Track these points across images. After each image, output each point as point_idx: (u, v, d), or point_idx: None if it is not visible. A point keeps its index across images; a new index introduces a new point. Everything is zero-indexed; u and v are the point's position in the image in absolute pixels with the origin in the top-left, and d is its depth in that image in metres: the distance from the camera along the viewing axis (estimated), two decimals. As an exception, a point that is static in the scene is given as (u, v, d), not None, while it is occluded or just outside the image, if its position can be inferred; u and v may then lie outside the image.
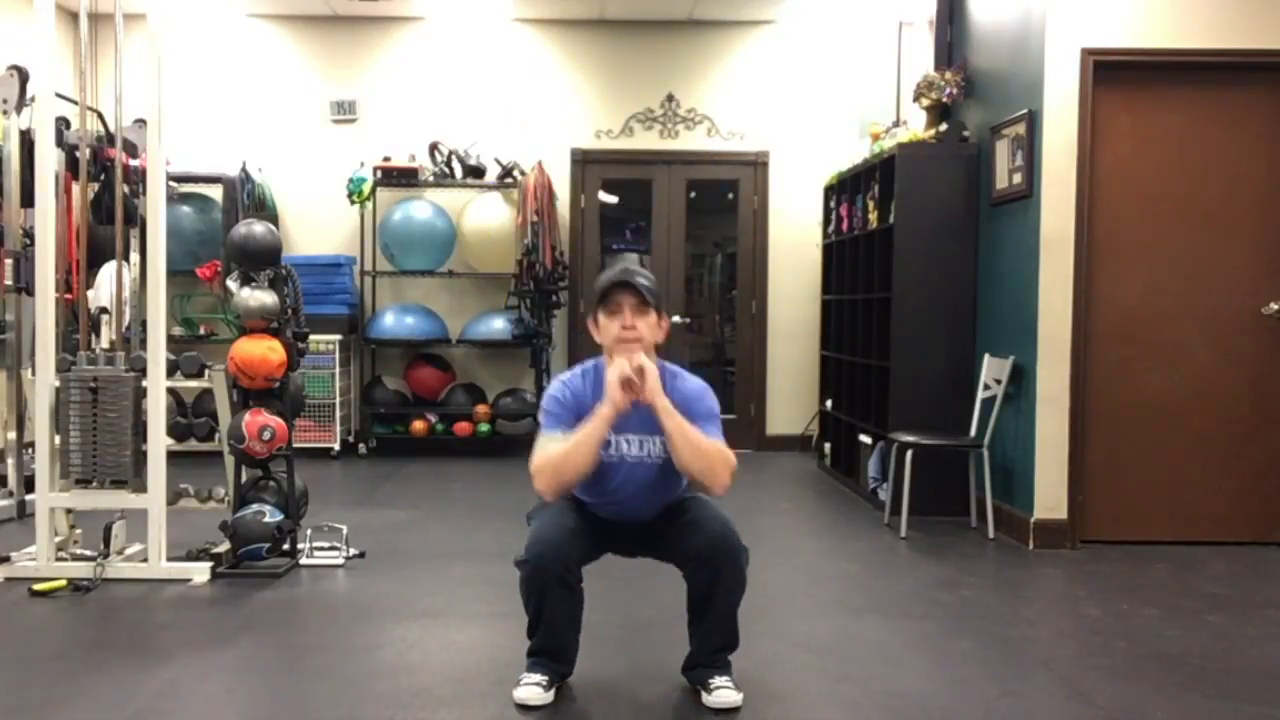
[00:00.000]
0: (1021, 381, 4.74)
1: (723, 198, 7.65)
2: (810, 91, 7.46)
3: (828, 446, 6.62)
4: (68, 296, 4.65)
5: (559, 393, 2.78)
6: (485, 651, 3.18)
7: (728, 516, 2.74)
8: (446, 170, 7.09)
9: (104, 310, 4.11)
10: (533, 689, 2.73)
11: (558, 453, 2.66)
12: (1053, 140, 4.57)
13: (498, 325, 7.04)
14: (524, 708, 2.71)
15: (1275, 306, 4.61)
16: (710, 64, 7.48)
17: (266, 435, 3.92)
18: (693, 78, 7.47)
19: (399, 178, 7.04)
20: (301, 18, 7.35)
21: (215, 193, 6.96)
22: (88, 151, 4.17)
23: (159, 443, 3.87)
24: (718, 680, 2.74)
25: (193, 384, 4.12)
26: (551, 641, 2.76)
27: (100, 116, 4.44)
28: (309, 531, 4.24)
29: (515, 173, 7.07)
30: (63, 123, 4.55)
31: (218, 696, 2.83)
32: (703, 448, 2.65)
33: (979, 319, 5.25)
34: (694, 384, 2.81)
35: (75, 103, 4.26)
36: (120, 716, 2.64)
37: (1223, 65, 4.58)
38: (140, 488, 3.87)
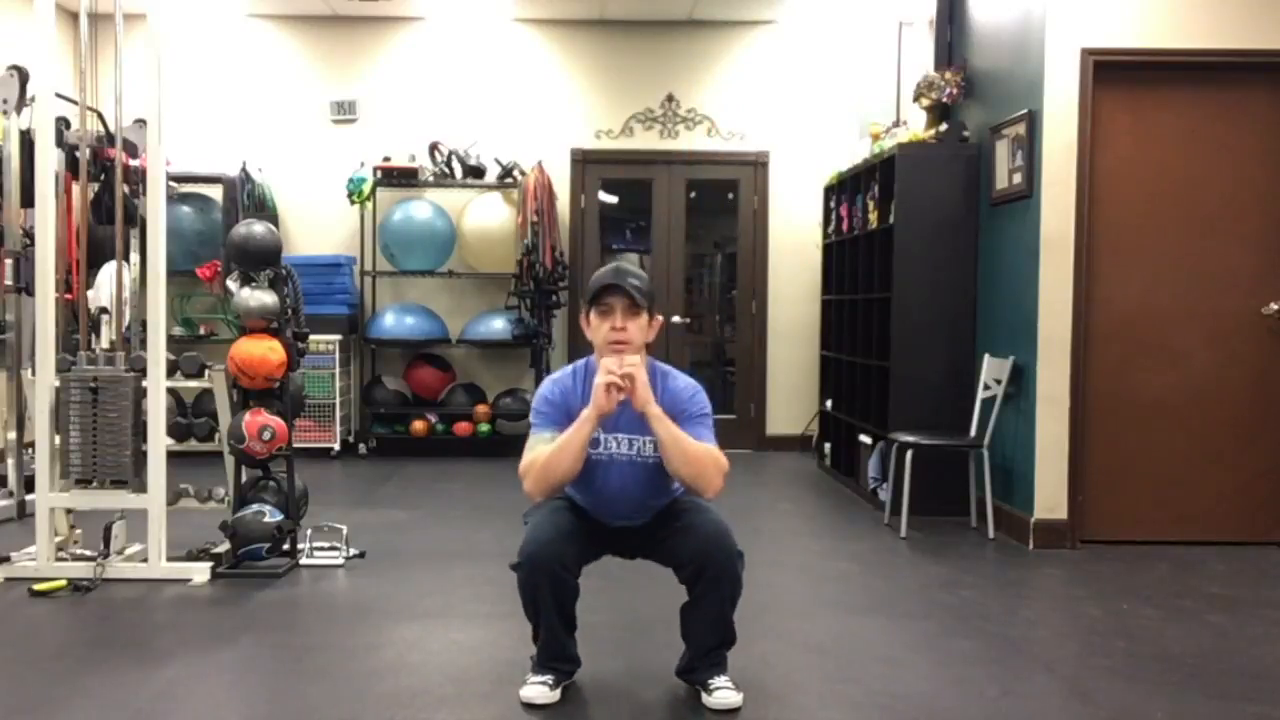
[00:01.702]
0: (1021, 381, 4.74)
1: (723, 198, 7.65)
2: (810, 91, 7.46)
3: (828, 446, 6.62)
4: (68, 296, 4.65)
5: (549, 392, 2.80)
6: (485, 651, 3.18)
7: (724, 519, 2.73)
8: (446, 170, 7.09)
9: (104, 310, 4.11)
10: (539, 688, 2.73)
11: (544, 454, 2.67)
12: (1053, 140, 4.57)
13: (498, 325, 7.04)
14: (529, 707, 2.71)
15: (1275, 306, 4.61)
16: (710, 64, 7.48)
17: (266, 435, 3.92)
18: (693, 78, 7.47)
19: (399, 178, 7.04)
20: (301, 18, 7.35)
21: (215, 193, 6.96)
22: (88, 151, 4.17)
23: (159, 443, 3.87)
24: (717, 680, 2.74)
25: (193, 384, 4.12)
26: (554, 644, 2.77)
27: (100, 116, 4.44)
28: (309, 532, 4.24)
29: (515, 173, 7.07)
30: (63, 123, 4.55)
31: (218, 696, 2.84)
32: (693, 453, 2.64)
33: (979, 319, 5.25)
34: (685, 383, 2.80)
35: (75, 103, 4.25)
36: (120, 716, 2.64)
37: (1223, 65, 4.58)
38: (140, 488, 3.87)
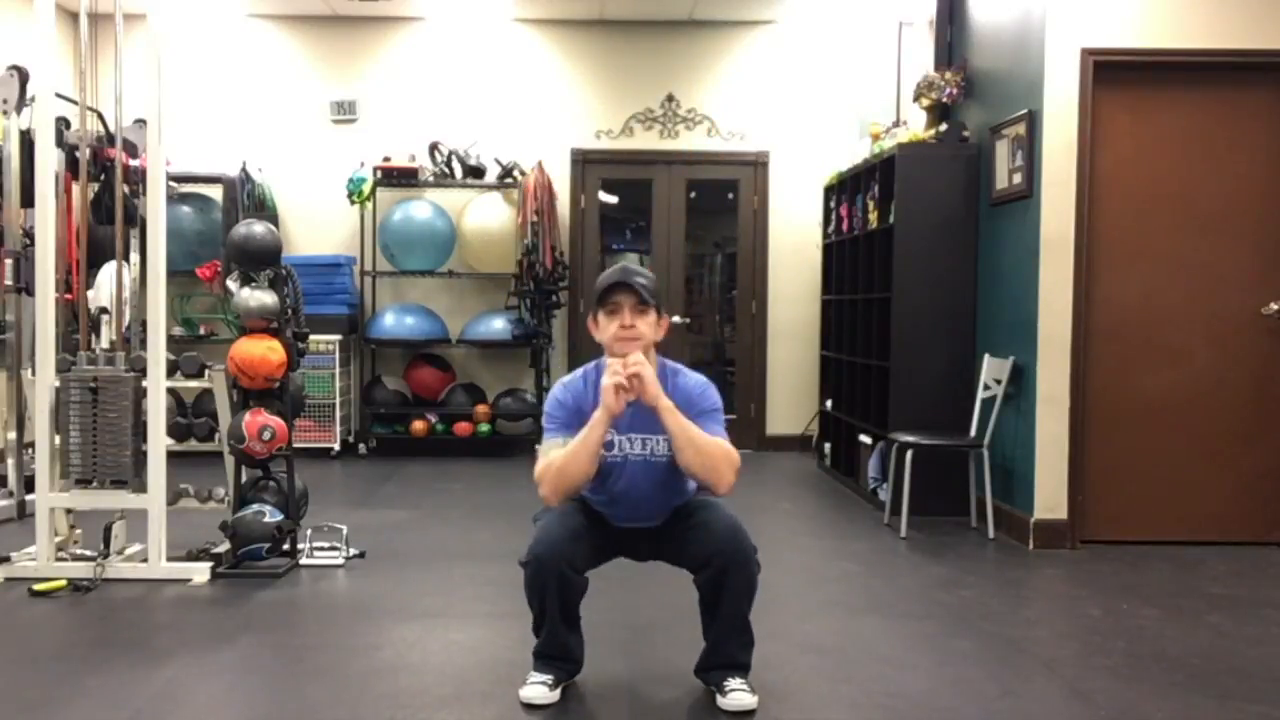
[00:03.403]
0: (1021, 381, 4.74)
1: (723, 198, 7.65)
2: (810, 91, 7.46)
3: (828, 446, 6.62)
4: (68, 296, 4.65)
5: (560, 396, 2.80)
6: (485, 651, 3.18)
7: (736, 516, 2.72)
8: (446, 170, 7.09)
9: (104, 310, 4.11)
10: (539, 688, 2.73)
11: (558, 459, 2.67)
12: (1053, 140, 4.57)
13: (498, 325, 7.04)
14: (529, 707, 2.71)
15: (1275, 306, 4.61)
16: (710, 64, 7.47)
17: (266, 435, 3.92)
18: (693, 78, 7.47)
19: (399, 178, 7.04)
20: (301, 18, 7.35)
21: (215, 193, 6.96)
22: (88, 151, 4.17)
23: (159, 443, 3.87)
24: (733, 682, 2.72)
25: (193, 384, 4.12)
26: (555, 642, 2.77)
27: (100, 116, 4.44)
28: (309, 531, 4.24)
29: (515, 173, 7.08)
30: (63, 123, 4.55)
31: (218, 696, 2.83)
32: (706, 447, 2.64)
33: (979, 319, 5.24)
34: (695, 380, 2.81)
35: (75, 103, 4.25)
36: (120, 716, 2.64)
37: (1223, 65, 4.58)
38: (140, 488, 3.87)
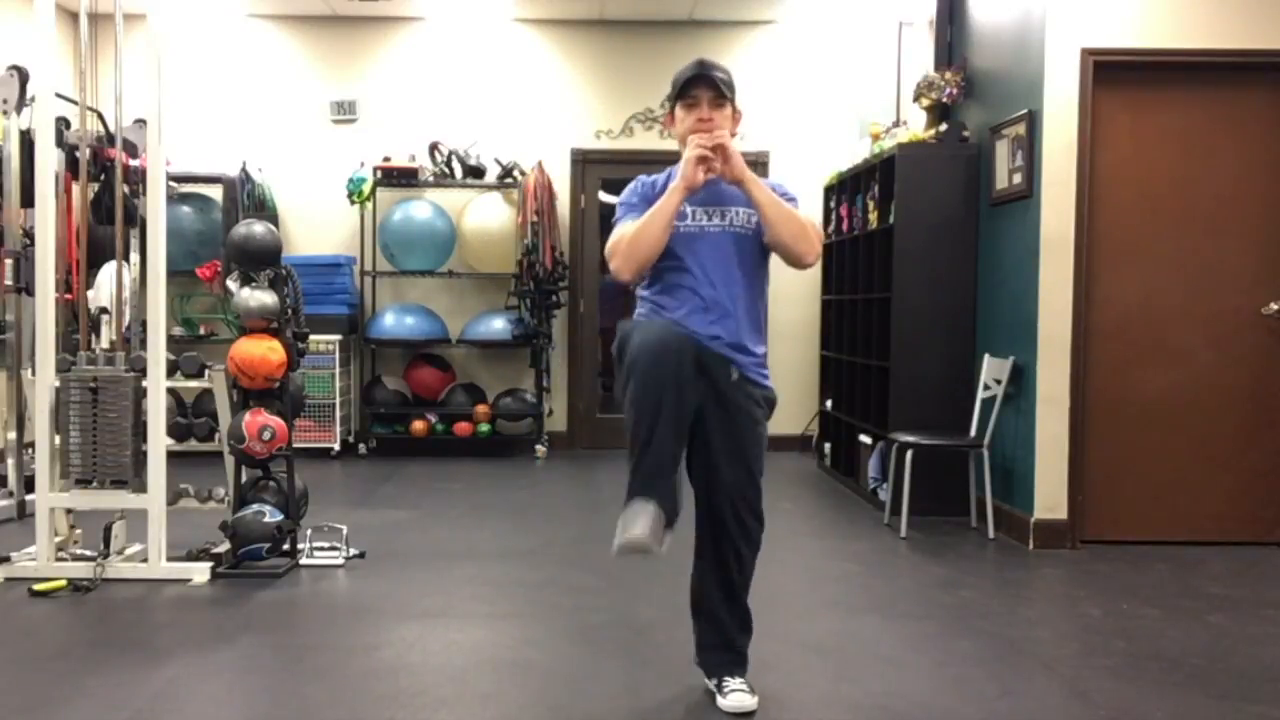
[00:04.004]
0: (1021, 381, 4.74)
1: (723, 198, 7.63)
2: (810, 91, 7.46)
3: (828, 446, 6.62)
4: (68, 296, 4.65)
5: (634, 188, 2.77)
6: (485, 651, 3.18)
7: (760, 482, 2.67)
8: (446, 170, 7.09)
9: (104, 310, 4.11)
10: (644, 518, 2.32)
11: (630, 228, 2.62)
12: (1053, 140, 4.57)
13: (498, 325, 7.04)
14: (627, 554, 2.38)
15: (1275, 306, 4.61)
16: (710, 64, 7.46)
17: (266, 435, 3.92)
18: (693, 78, 7.46)
19: (399, 178, 7.04)
20: (301, 18, 7.35)
21: (215, 193, 6.96)
22: (88, 151, 4.17)
23: (159, 443, 3.87)
24: (733, 683, 2.71)
25: (193, 384, 4.12)
26: (660, 460, 2.39)
27: (100, 116, 4.44)
28: (309, 532, 4.24)
29: (515, 173, 7.08)
30: (63, 123, 4.55)
31: (218, 696, 2.83)
32: (791, 213, 2.66)
33: (979, 319, 5.25)
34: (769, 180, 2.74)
35: (75, 103, 4.26)
36: (120, 716, 2.64)
37: (1223, 65, 4.58)
38: (140, 488, 3.87)
